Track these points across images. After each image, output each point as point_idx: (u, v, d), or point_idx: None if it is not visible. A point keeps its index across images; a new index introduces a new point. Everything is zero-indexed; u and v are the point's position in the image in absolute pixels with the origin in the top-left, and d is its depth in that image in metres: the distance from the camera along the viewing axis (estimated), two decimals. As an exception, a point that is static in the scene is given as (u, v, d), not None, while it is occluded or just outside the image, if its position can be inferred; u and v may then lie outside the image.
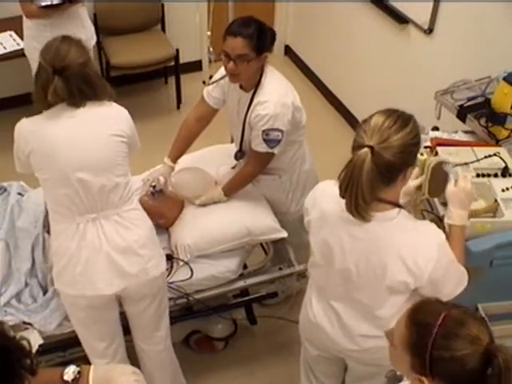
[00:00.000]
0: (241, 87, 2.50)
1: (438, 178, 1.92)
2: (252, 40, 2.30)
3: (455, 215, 1.85)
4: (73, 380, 1.44)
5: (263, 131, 2.42)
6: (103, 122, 2.07)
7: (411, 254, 1.70)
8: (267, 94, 2.41)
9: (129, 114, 2.18)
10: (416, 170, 1.97)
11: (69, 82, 1.98)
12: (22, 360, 1.18)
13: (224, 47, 2.34)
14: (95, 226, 2.09)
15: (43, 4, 3.18)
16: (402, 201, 1.76)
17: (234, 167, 2.77)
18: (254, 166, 2.59)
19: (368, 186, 1.56)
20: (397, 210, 1.72)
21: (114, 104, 2.17)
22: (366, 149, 1.55)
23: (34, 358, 1.20)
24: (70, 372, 1.45)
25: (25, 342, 1.19)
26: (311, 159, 2.84)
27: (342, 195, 1.63)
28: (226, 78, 2.50)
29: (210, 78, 2.61)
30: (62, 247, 2.13)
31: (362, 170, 1.55)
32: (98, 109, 2.08)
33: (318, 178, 2.77)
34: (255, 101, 2.44)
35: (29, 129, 2.04)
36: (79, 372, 1.45)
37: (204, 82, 2.63)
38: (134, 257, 2.14)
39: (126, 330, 2.42)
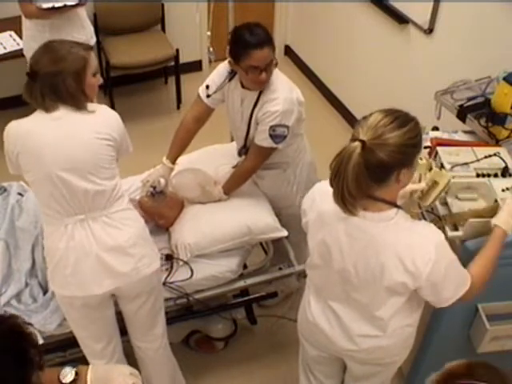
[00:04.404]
0: (243, 87, 2.50)
1: (433, 187, 1.99)
2: (271, 44, 2.34)
3: (502, 218, 1.92)
4: (71, 382, 1.44)
5: (270, 127, 2.43)
6: (90, 125, 2.04)
7: (409, 255, 1.68)
8: (276, 91, 2.43)
9: (119, 118, 2.13)
10: (415, 175, 1.94)
11: (36, 86, 1.99)
12: (34, 353, 1.21)
13: (251, 62, 2.31)
14: (83, 227, 2.09)
15: (44, 6, 3.17)
16: (398, 202, 1.75)
17: (235, 166, 2.76)
18: (254, 161, 2.59)
19: (353, 180, 1.55)
20: (394, 210, 1.71)
21: (105, 107, 2.14)
22: (356, 142, 1.55)
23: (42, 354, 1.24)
24: (67, 374, 1.45)
25: (35, 337, 1.23)
26: (310, 151, 2.85)
27: (331, 184, 1.63)
28: (225, 80, 2.52)
29: (207, 87, 2.57)
30: (51, 248, 2.13)
31: (348, 163, 1.54)
32: (85, 112, 2.05)
33: (317, 178, 2.77)
34: (264, 98, 2.44)
35: (16, 131, 2.04)
36: (76, 373, 1.46)
37: (208, 96, 2.58)
38: (125, 256, 2.13)
39: (124, 331, 2.42)
